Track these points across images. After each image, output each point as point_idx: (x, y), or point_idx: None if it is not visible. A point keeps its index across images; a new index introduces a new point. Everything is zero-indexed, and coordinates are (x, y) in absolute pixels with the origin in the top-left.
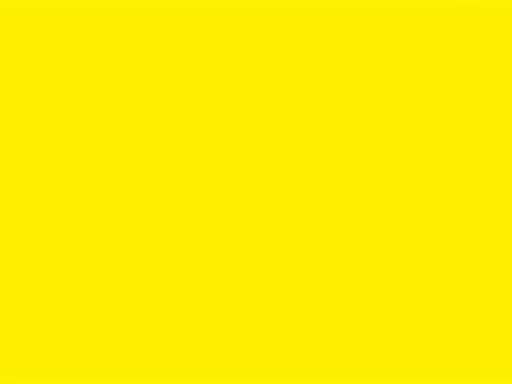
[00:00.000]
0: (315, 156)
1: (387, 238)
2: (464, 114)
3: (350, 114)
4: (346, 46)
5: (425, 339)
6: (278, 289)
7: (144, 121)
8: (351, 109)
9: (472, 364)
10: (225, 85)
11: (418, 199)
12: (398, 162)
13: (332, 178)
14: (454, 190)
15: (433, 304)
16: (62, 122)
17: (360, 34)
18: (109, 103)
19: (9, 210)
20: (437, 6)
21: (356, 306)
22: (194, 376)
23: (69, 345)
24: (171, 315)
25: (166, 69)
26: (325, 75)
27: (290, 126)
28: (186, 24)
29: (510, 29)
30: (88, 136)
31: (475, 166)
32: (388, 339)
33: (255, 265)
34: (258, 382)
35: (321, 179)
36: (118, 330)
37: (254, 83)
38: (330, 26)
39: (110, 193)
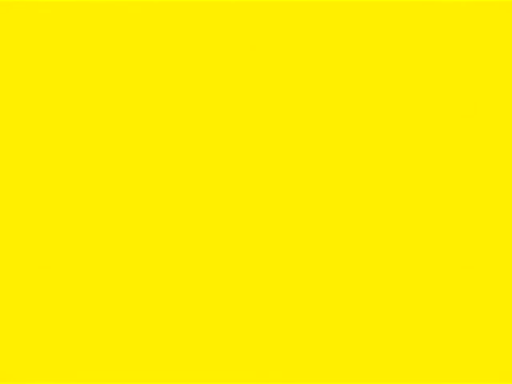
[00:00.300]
0: (315, 156)
1: (387, 238)
2: (464, 113)
3: (350, 113)
4: (346, 46)
5: (425, 339)
6: (278, 289)
7: (144, 120)
8: (351, 108)
9: (472, 364)
10: (225, 84)
11: (418, 199)
12: (398, 162)
13: (332, 178)
14: (454, 190)
15: (433, 304)
16: (62, 122)
17: (360, 34)
18: (109, 103)
19: (9, 210)
20: (437, 6)
21: (356, 306)
22: (194, 376)
23: (69, 345)
24: (171, 315)
25: (166, 68)
26: (325, 75)
27: (289, 125)
28: (186, 24)
29: (510, 29)
30: (88, 136)
31: (475, 165)
32: (388, 339)
33: (255, 265)
34: (258, 382)
35: (321, 179)
36: (118, 330)
37: (253, 83)
38: (330, 26)
39: (109, 193)
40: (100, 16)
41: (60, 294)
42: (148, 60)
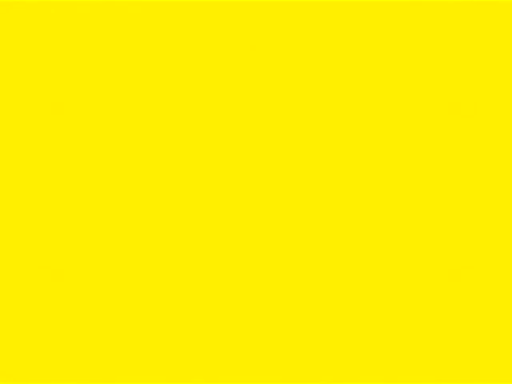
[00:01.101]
0: (315, 156)
1: (387, 238)
2: (464, 113)
3: (350, 113)
4: (346, 46)
5: (425, 339)
6: (278, 289)
7: (144, 120)
8: (351, 109)
9: (472, 364)
10: (225, 84)
11: (418, 199)
12: (398, 162)
13: (332, 178)
14: (453, 190)
15: (433, 304)
16: (62, 122)
17: (360, 34)
18: (109, 103)
19: (9, 210)
20: (437, 6)
21: (356, 306)
22: (194, 376)
23: (69, 345)
24: (171, 315)
25: (166, 68)
26: (325, 75)
27: (289, 125)
28: (186, 24)
29: (510, 29)
30: (88, 136)
31: (475, 166)
32: (388, 339)
33: (255, 265)
34: (258, 382)
35: (321, 179)
36: (118, 330)
37: (253, 83)
38: (330, 26)
39: (109, 193)
40: (100, 16)
41: (60, 294)
42: (148, 60)
